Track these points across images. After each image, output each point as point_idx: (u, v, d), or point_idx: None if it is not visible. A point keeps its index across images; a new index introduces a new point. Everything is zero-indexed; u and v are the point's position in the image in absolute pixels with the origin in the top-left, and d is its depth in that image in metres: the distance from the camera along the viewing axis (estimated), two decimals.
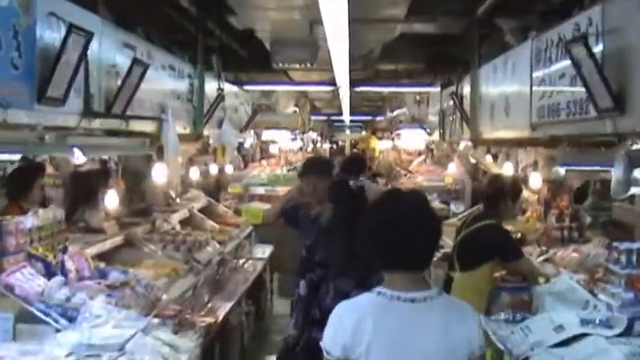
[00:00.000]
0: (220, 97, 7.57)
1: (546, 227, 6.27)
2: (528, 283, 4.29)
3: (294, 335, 3.92)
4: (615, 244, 3.56)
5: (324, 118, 25.34)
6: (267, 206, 9.93)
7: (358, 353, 2.04)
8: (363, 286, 2.55)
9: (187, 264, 5.27)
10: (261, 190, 11.05)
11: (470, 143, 8.10)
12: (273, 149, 14.89)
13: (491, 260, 4.43)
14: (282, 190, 9.05)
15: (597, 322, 3.26)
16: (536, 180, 5.75)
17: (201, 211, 7.63)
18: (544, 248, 5.68)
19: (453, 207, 10.84)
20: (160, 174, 5.57)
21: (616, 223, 5.89)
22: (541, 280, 4.30)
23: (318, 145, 27.26)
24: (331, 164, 5.25)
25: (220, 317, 4.81)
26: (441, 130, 9.45)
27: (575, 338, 3.22)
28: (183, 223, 6.97)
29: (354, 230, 2.44)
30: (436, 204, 10.93)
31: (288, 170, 11.97)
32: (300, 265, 4.02)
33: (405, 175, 13.54)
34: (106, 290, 3.91)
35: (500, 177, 5.47)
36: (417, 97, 12.49)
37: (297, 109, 14.06)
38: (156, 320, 3.81)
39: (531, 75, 5.21)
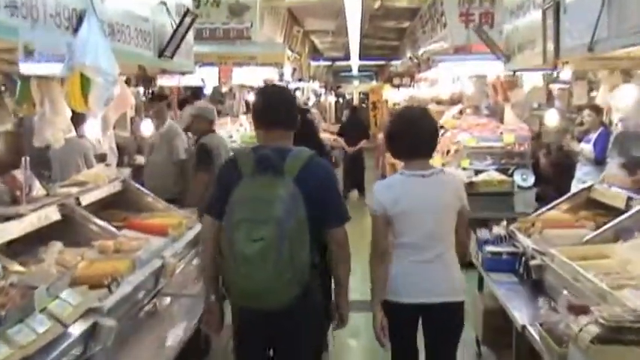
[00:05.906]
0: None
1: None
2: None
3: None
4: None
5: (327, 63, 21.50)
6: None
7: (391, 207, 3.23)
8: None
9: None
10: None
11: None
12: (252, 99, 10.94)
13: None
14: None
15: None
16: None
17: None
18: None
19: (517, 179, 7.27)
20: None
21: None
22: None
23: (322, 98, 23.51)
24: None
25: None
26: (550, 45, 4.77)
27: None
28: None
29: None
30: (492, 174, 7.35)
31: None
32: None
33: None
34: None
35: None
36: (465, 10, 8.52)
37: (288, 48, 9.99)
38: None
39: None
